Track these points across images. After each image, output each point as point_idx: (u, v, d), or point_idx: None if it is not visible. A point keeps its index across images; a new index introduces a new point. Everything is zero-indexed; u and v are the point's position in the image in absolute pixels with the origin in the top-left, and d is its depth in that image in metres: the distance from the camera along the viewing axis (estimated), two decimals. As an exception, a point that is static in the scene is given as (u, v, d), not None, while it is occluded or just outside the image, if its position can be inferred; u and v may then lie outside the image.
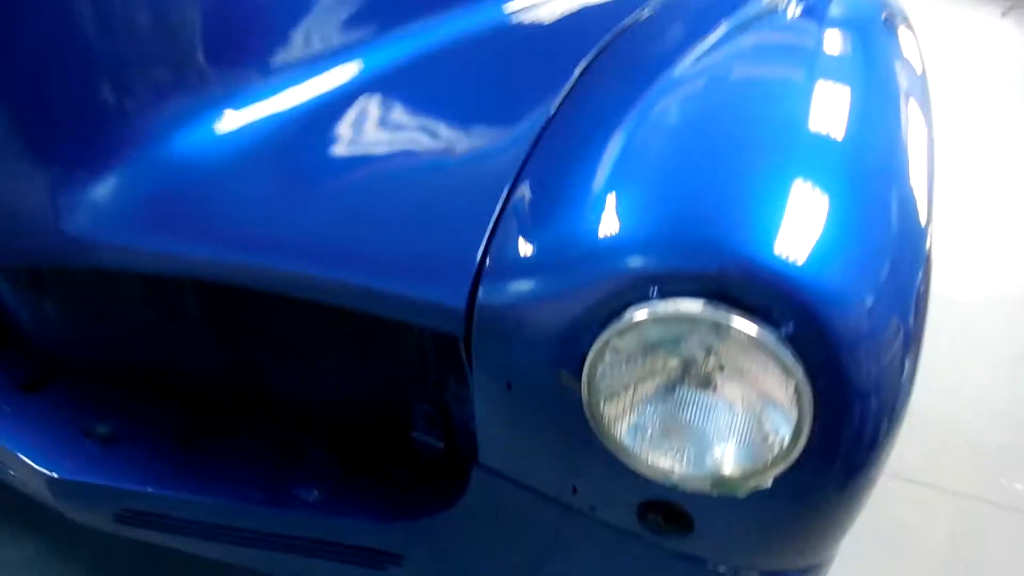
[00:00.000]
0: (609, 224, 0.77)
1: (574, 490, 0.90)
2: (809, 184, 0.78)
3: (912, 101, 1.06)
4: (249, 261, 0.87)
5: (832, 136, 0.87)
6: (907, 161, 0.91)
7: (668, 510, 0.87)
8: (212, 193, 0.91)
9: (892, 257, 0.79)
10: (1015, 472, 2.01)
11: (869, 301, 0.73)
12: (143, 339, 1.22)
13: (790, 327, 0.70)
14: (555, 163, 0.88)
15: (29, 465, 1.14)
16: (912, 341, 0.78)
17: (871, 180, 0.84)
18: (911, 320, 0.78)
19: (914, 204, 0.86)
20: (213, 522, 1.12)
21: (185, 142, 0.94)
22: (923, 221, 0.85)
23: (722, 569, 0.90)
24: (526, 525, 0.98)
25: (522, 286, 0.80)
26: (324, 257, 0.85)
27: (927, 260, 0.83)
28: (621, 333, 0.73)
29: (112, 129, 0.90)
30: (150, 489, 1.12)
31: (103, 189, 0.90)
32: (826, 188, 0.78)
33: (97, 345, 1.26)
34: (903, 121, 0.99)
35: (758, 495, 0.80)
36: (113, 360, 1.26)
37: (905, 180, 0.88)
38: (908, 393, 0.79)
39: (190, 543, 1.17)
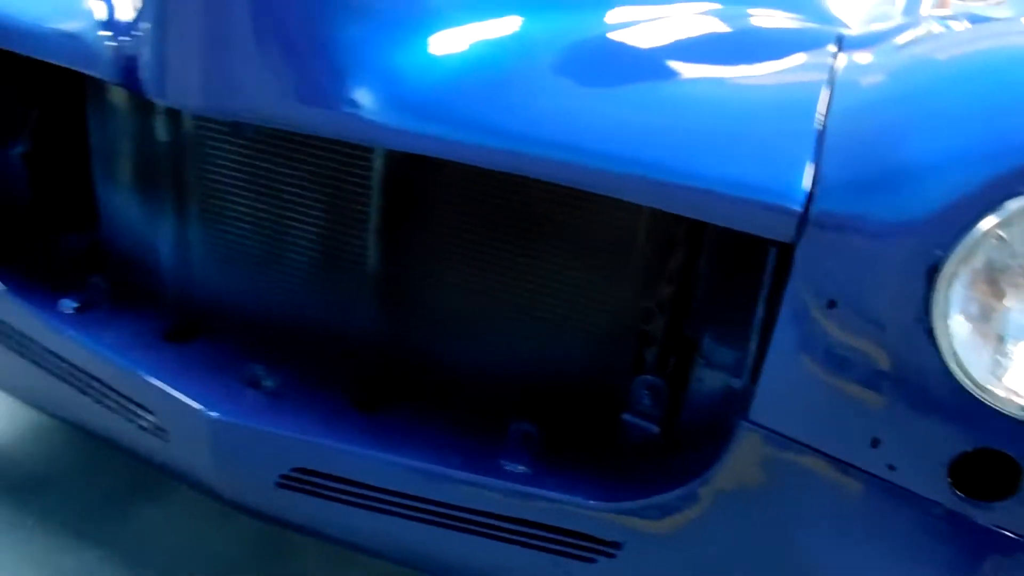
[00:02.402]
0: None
1: (874, 443, 0.86)
2: None
3: None
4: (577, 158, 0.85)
5: None
6: None
7: (987, 466, 0.83)
8: (526, 85, 0.90)
9: None
10: None
11: None
12: (303, 290, 1.18)
13: None
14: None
15: (187, 406, 1.05)
16: None
17: None
18: None
19: None
20: (399, 490, 1.02)
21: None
22: None
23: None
24: (793, 499, 0.91)
25: (872, 186, 0.80)
26: (650, 157, 0.84)
27: None
28: (1009, 221, 0.73)
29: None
30: (329, 442, 1.03)
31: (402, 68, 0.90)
32: None
33: (253, 297, 1.20)
34: None
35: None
36: (268, 316, 1.20)
37: None
38: None
39: (360, 525, 1.06)
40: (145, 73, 0.87)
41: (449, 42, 0.91)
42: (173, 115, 1.16)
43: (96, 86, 1.22)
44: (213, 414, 1.03)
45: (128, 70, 0.89)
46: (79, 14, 0.96)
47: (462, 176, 1.05)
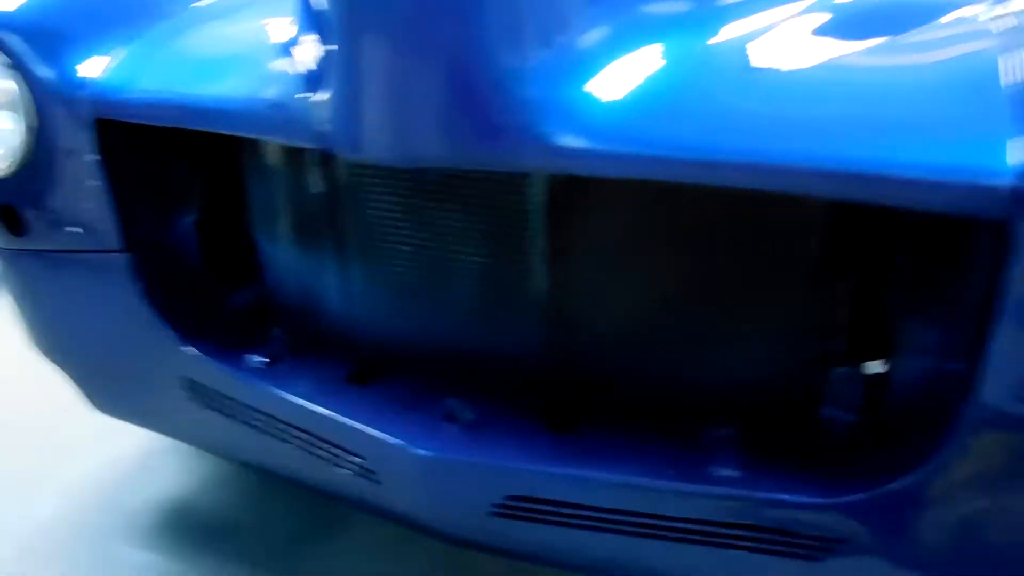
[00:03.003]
0: None
1: (1124, 412, 0.83)
2: None
3: None
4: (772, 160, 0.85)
5: None
6: None
7: None
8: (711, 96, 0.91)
9: None
10: None
11: None
12: (475, 320, 1.21)
13: None
14: None
15: (394, 446, 1.09)
16: None
17: None
18: None
19: None
20: (611, 507, 1.04)
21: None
22: None
23: None
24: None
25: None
26: (849, 152, 0.83)
27: None
28: None
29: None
30: (541, 467, 1.05)
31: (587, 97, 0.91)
32: None
33: (426, 332, 1.24)
34: None
35: None
36: (444, 349, 1.24)
37: None
38: None
39: (575, 545, 1.09)
40: (339, 135, 0.91)
41: (617, 71, 0.92)
42: (327, 166, 1.21)
43: (251, 149, 1.28)
44: (422, 451, 1.07)
45: (321, 134, 0.94)
46: (267, 89, 1.01)
47: (622, 191, 1.07)
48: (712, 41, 1.01)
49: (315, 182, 1.22)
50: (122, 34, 1.27)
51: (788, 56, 0.99)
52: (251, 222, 1.35)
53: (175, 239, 1.35)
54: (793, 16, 1.08)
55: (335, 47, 0.88)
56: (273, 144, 1.25)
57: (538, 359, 1.17)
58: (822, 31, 1.04)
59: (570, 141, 0.87)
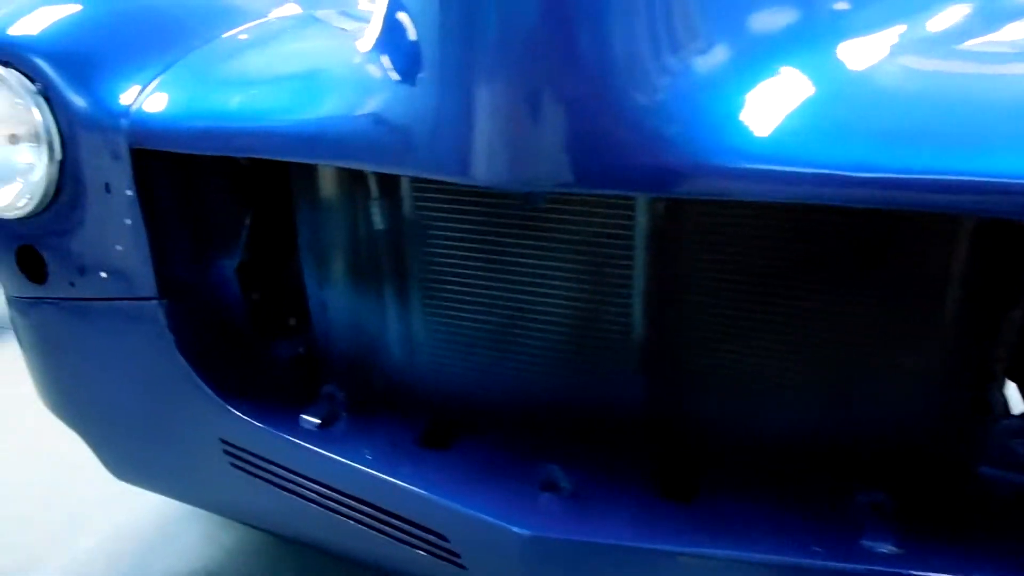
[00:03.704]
0: None
1: None
2: None
3: None
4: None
5: None
6: None
7: None
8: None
9: None
10: None
11: None
12: (566, 370, 1.07)
13: None
14: None
15: (486, 524, 0.94)
16: None
17: None
18: None
19: None
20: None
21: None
22: None
23: None
24: None
25: None
26: None
27: None
28: None
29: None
30: (664, 545, 0.90)
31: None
32: None
33: (508, 385, 1.10)
34: None
35: None
36: (531, 405, 1.09)
37: None
38: None
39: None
40: (446, 158, 0.78)
41: (758, 89, 0.79)
42: (397, 199, 1.08)
43: (306, 181, 1.14)
44: (522, 531, 0.92)
45: (418, 157, 0.81)
46: (351, 112, 0.87)
47: (741, 219, 0.94)
48: (843, 52, 0.89)
49: (382, 217, 1.08)
50: (156, 60, 1.13)
51: (929, 64, 0.87)
52: (301, 264, 1.20)
53: (215, 284, 1.20)
54: (917, 21, 0.96)
55: (444, 70, 0.75)
56: (332, 175, 1.11)
57: (644, 413, 1.03)
58: (962, 33, 0.93)
59: (723, 161, 0.73)
